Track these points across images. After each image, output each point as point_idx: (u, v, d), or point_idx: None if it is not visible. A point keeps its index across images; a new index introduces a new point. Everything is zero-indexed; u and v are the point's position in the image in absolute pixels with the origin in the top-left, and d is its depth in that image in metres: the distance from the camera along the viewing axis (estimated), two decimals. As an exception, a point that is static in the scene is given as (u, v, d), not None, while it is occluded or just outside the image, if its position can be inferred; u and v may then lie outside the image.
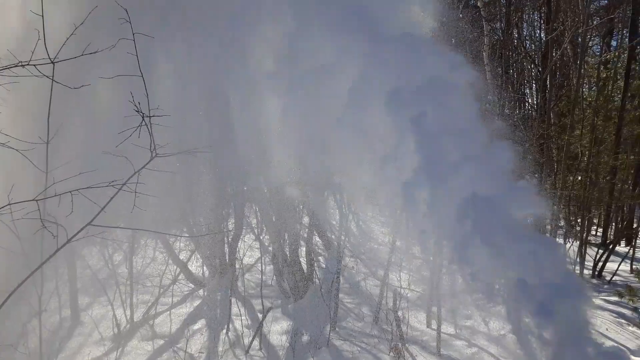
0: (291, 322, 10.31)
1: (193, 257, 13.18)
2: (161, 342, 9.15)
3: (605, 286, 13.00)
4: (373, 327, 9.47)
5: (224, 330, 9.58)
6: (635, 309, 10.39)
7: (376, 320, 9.85)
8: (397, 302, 10.19)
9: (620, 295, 10.86)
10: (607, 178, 16.33)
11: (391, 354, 7.74)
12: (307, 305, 11.04)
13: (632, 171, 16.27)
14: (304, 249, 12.48)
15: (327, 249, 15.80)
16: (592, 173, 16.94)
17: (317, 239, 18.36)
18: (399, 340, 8.54)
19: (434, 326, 9.79)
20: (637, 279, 10.75)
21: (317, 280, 13.46)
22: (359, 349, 8.30)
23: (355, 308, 11.10)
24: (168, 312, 10.64)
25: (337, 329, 9.56)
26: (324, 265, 14.83)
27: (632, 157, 16.05)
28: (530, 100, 21.99)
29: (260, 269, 14.18)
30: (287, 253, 12.08)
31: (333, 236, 19.70)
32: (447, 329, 9.59)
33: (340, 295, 12.11)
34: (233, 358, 8.24)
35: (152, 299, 10.78)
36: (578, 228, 19.07)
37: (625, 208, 16.74)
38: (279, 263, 12.19)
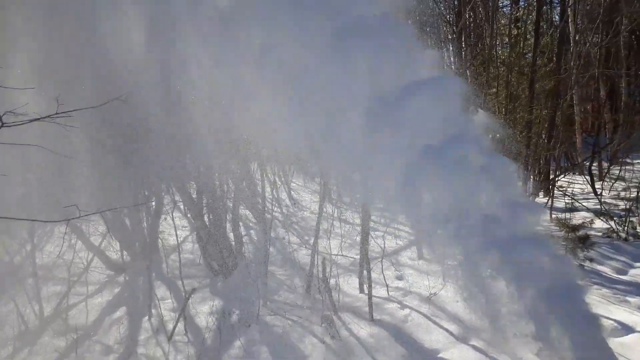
0: (220, 302, 9.81)
1: (112, 241, 12.25)
2: (76, 336, 8.34)
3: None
4: (305, 299, 9.16)
5: (147, 317, 8.92)
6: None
7: (308, 290, 9.56)
8: (328, 270, 9.94)
9: (542, 244, 11.22)
10: (524, 133, 16.86)
11: (323, 324, 7.45)
12: (237, 283, 10.57)
13: (546, 125, 16.88)
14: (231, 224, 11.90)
15: (259, 222, 15.31)
16: (509, 128, 17.52)
17: (247, 212, 17.82)
18: (330, 309, 8.30)
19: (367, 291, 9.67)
20: (557, 228, 11.13)
21: (247, 255, 12.98)
22: (290, 322, 7.96)
23: (287, 280, 10.72)
24: (84, 302, 9.79)
25: (268, 303, 9.17)
26: (256, 238, 14.37)
27: (545, 111, 16.63)
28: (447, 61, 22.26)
29: (187, 248, 13.49)
30: (211, 229, 11.47)
31: (263, 207, 19.25)
32: (379, 291, 9.49)
33: (272, 268, 11.71)
34: (156, 346, 7.63)
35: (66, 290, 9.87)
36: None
37: (541, 160, 17.44)
38: (203, 240, 11.57)
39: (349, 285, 9.97)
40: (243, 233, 15.51)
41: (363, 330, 7.47)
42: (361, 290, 9.67)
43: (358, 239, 13.65)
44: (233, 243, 11.94)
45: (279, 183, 21.83)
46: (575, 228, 10.36)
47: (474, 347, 7.02)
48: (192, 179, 11.46)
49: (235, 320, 8.19)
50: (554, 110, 16.49)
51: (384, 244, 11.22)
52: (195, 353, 6.93)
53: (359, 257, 11.20)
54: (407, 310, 8.40)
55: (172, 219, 12.86)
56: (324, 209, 18.08)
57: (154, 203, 12.60)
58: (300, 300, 9.26)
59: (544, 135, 17.61)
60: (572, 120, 23.03)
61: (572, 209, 14.73)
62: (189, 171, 11.13)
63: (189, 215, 13.43)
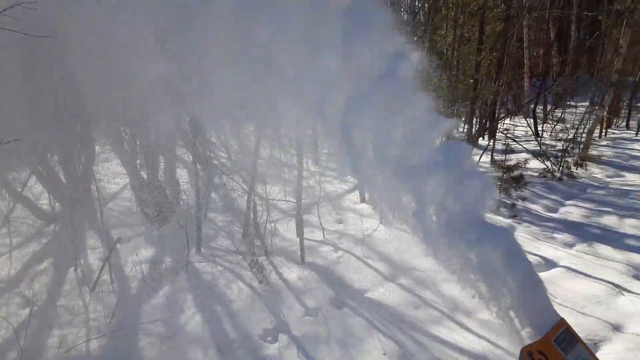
0: (153, 250, 9.52)
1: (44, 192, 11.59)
2: (-5, 289, 7.92)
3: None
4: (241, 244, 8.97)
5: (73, 268, 8.54)
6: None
7: (245, 236, 9.37)
8: (266, 215, 9.76)
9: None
10: (471, 74, 16.80)
11: (253, 269, 7.31)
12: (172, 231, 10.26)
13: (494, 67, 16.80)
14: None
15: (204, 168, 14.87)
16: (457, 70, 17.40)
17: (189, 157, 17.26)
18: (263, 254, 8.17)
19: (307, 235, 9.58)
20: (494, 169, 11.25)
21: (187, 202, 12.62)
22: (220, 269, 7.79)
23: (226, 226, 10.46)
24: (8, 254, 9.29)
25: (202, 250, 8.94)
26: (201, 184, 13.96)
27: (494, 53, 16.50)
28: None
29: (127, 196, 12.97)
30: (147, 175, 10.98)
31: (210, 154, 18.71)
32: (317, 235, 9.42)
33: (213, 214, 11.43)
34: (78, 297, 7.32)
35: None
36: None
37: (487, 103, 17.49)
38: (137, 188, 11.10)
39: (287, 229, 9.84)
40: (185, 180, 15.09)
41: (293, 273, 7.39)
42: (298, 234, 9.57)
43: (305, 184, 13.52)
44: (168, 191, 11.55)
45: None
46: (509, 168, 10.47)
47: (401, 286, 7.07)
48: (125, 122, 10.85)
49: (164, 269, 7.93)
50: (502, 52, 16.38)
51: (320, 190, 11.09)
52: (116, 303, 6.68)
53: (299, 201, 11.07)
54: (340, 252, 8.37)
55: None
56: (269, 155, 17.75)
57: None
58: (236, 247, 9.06)
59: (492, 78, 17.52)
60: (522, 63, 23.17)
61: (511, 151, 15.00)
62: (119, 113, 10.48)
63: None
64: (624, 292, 6.66)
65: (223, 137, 22.37)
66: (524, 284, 3.62)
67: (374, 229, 9.23)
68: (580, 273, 7.40)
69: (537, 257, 8.11)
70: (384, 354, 5.38)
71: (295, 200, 11.42)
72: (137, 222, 11.40)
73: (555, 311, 3.14)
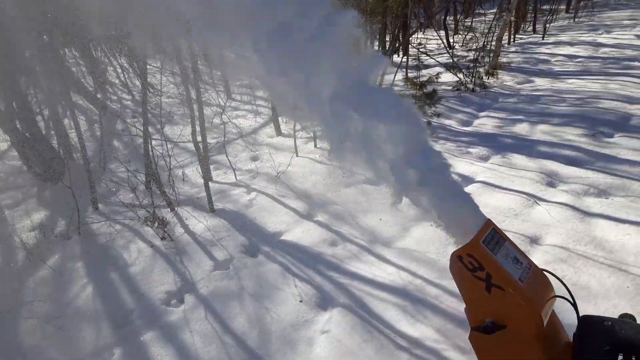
0: (45, 213, 8.46)
1: None
2: None
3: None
4: (146, 195, 8.10)
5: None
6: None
7: (148, 186, 8.50)
8: (169, 160, 8.89)
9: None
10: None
11: (154, 226, 6.56)
12: (66, 189, 9.15)
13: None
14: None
15: (103, 114, 13.43)
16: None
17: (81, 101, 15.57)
18: (167, 206, 7.41)
19: (218, 178, 8.86)
20: (407, 86, 10.87)
21: (81, 154, 11.38)
22: (119, 228, 6.97)
23: (130, 177, 9.46)
24: None
25: (101, 207, 8.02)
26: (98, 133, 12.61)
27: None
28: None
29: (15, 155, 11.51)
30: (19, 127, 9.61)
31: (99, 93, 17.02)
32: (228, 178, 8.73)
33: (115, 165, 10.36)
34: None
35: None
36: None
37: (399, 19, 16.86)
38: (16, 144, 9.75)
39: (199, 174, 9.03)
40: (83, 128, 13.62)
41: (200, 224, 6.72)
42: (209, 179, 8.84)
43: (216, 121, 12.54)
44: (57, 144, 10.26)
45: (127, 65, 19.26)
46: (422, 85, 10.11)
47: (318, 223, 6.64)
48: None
49: (53, 235, 6.99)
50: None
51: (228, 127, 10.26)
52: (-6, 283, 5.79)
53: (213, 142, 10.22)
54: (253, 194, 7.77)
55: None
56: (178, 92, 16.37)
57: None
58: (140, 199, 8.19)
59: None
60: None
61: (425, 66, 14.70)
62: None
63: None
64: (539, 202, 6.62)
65: (125, 76, 20.39)
66: (448, 190, 3.25)
67: (288, 164, 8.65)
68: (496, 187, 7.31)
69: (455, 175, 7.96)
70: (300, 302, 4.98)
71: (210, 142, 10.55)
72: (30, 183, 10.18)
73: (481, 213, 2.99)
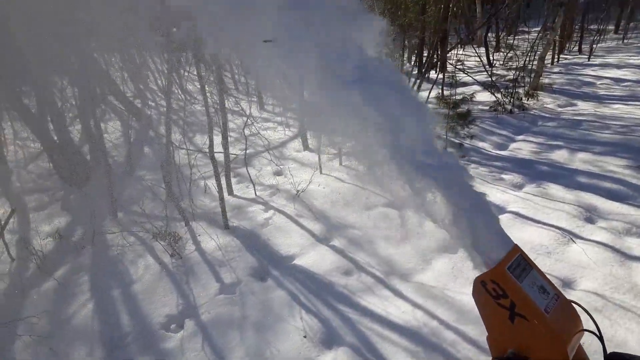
0: (67, 219, 8.45)
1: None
2: None
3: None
4: (168, 207, 7.96)
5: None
6: (437, 137, 10.20)
7: (169, 197, 8.36)
8: (190, 170, 8.78)
9: (423, 124, 10.53)
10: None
11: (165, 241, 6.36)
12: (91, 195, 9.16)
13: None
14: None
15: (138, 119, 13.51)
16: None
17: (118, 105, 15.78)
18: (183, 220, 7.23)
19: (239, 192, 8.65)
20: (439, 105, 10.42)
21: (115, 160, 11.46)
22: (132, 240, 6.81)
23: (155, 186, 9.38)
24: None
25: (120, 216, 7.94)
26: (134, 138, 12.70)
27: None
28: None
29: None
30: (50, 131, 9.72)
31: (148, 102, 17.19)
32: (249, 193, 8.50)
33: (143, 172, 10.34)
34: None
35: None
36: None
37: (438, 33, 16.39)
38: (47, 147, 9.89)
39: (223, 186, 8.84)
40: (117, 134, 13.76)
41: (212, 242, 6.49)
42: (229, 192, 8.65)
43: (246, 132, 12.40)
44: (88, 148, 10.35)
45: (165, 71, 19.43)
46: (455, 104, 9.66)
47: (333, 248, 6.30)
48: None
49: (69, 243, 6.91)
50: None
51: (250, 139, 10.05)
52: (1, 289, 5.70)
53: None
54: (270, 212, 7.50)
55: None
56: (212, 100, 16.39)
57: None
58: (159, 210, 8.07)
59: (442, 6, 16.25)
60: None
61: (463, 84, 14.21)
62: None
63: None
64: (575, 240, 6.09)
65: (162, 82, 20.52)
66: (475, 208, 3.07)
67: (309, 182, 8.36)
68: (529, 219, 6.80)
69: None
70: (305, 337, 4.65)
71: (236, 153, 10.40)
72: (57, 187, 10.29)
73: (508, 237, 2.86)
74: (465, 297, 5.12)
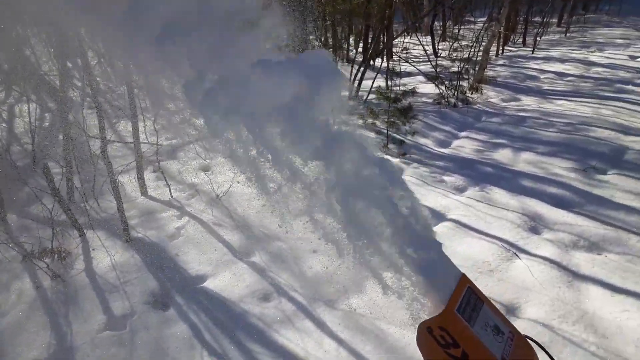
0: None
1: None
2: None
3: (361, 107, 12.03)
4: (63, 211, 6.79)
5: None
6: (378, 132, 9.50)
7: (58, 199, 7.18)
8: (93, 165, 7.61)
9: (362, 118, 9.82)
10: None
11: (48, 259, 5.27)
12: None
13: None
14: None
15: (55, 101, 11.99)
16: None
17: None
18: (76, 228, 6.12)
19: (156, 192, 7.58)
20: (382, 97, 9.70)
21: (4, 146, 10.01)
22: (14, 254, 5.65)
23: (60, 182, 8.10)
24: None
25: (9, 220, 6.72)
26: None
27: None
28: None
29: None
30: None
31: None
32: (163, 194, 7.45)
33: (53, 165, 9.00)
34: None
35: None
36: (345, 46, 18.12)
37: (384, 20, 15.66)
38: None
39: (134, 185, 7.73)
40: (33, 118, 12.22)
41: (106, 259, 5.45)
42: (142, 192, 7.58)
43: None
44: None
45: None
46: (396, 99, 8.96)
47: (252, 266, 5.44)
48: None
49: None
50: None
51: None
52: None
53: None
54: (184, 220, 6.52)
55: None
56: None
57: None
58: (59, 214, 6.87)
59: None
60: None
61: (407, 74, 13.61)
62: None
63: None
64: (519, 255, 5.52)
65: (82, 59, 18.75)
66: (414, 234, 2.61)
67: (234, 182, 7.41)
68: (471, 229, 6.20)
69: (424, 209, 6.82)
70: (203, 391, 3.77)
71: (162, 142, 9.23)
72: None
73: (454, 266, 2.42)
74: (402, 330, 4.42)
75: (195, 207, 6.89)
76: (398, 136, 9.39)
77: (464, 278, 2.46)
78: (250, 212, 6.71)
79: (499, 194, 7.11)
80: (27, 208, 7.25)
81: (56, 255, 5.25)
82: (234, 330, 4.43)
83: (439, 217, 6.65)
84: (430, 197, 7.17)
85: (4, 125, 11.48)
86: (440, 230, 6.28)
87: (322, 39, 13.79)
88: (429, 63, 14.00)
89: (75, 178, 7.53)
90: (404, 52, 18.79)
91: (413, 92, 9.75)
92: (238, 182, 7.50)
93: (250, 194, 7.26)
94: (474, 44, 13.34)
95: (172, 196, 7.32)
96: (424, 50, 15.83)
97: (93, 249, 5.74)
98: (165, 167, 8.36)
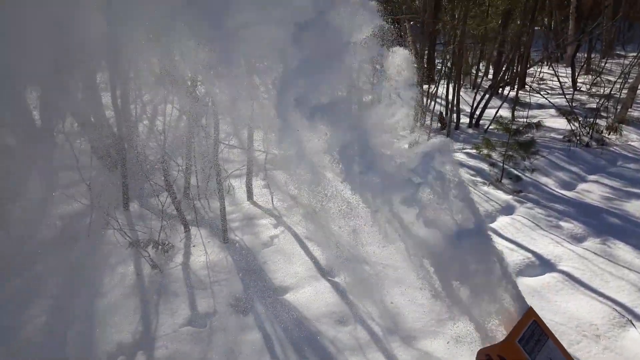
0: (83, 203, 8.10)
1: None
2: None
3: (481, 136, 11.49)
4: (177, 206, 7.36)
5: None
6: (492, 165, 8.93)
7: (186, 195, 7.79)
8: (214, 169, 8.12)
9: (477, 148, 9.30)
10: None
11: (152, 249, 5.72)
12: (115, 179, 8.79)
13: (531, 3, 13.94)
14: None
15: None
16: (489, 7, 14.74)
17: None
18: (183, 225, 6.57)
19: (262, 199, 7.90)
20: (502, 128, 9.10)
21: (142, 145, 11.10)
22: (128, 239, 6.21)
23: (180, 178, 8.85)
24: None
25: (131, 209, 7.45)
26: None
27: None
28: None
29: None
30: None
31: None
32: (266, 202, 7.73)
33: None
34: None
35: None
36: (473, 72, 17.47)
37: (521, 47, 14.80)
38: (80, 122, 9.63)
39: (244, 189, 8.14)
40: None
41: (203, 257, 5.78)
42: (249, 197, 7.95)
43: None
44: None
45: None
46: (517, 131, 8.36)
47: (335, 286, 5.40)
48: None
49: (63, 235, 6.47)
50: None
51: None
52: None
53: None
54: (279, 229, 6.70)
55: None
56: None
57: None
58: (170, 208, 7.48)
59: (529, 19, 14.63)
60: (568, 1, 19.93)
61: (532, 106, 12.69)
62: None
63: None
64: (635, 324, 4.80)
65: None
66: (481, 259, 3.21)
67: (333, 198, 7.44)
68: (582, 285, 5.54)
69: (530, 254, 6.25)
70: (262, 404, 3.80)
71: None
72: (92, 167, 9.99)
73: (522, 298, 2.63)
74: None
75: (292, 219, 7.04)
76: (515, 171, 8.75)
77: (530, 311, 2.52)
78: (343, 231, 6.67)
79: (623, 250, 6.27)
80: (149, 199, 7.96)
81: (160, 247, 5.67)
82: (305, 349, 4.41)
83: (548, 266, 6.05)
84: (541, 242, 6.55)
85: (146, 122, 12.76)
86: (547, 281, 5.71)
87: (449, 64, 13.39)
88: (563, 96, 12.91)
89: (192, 177, 8.11)
90: (539, 82, 17.58)
91: (538, 126, 9.00)
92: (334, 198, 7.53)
93: (347, 213, 7.24)
94: (620, 80, 12.02)
95: (273, 205, 7.57)
96: (559, 82, 14.64)
97: (193, 245, 6.12)
98: (273, 175, 8.68)
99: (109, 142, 9.73)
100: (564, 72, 17.40)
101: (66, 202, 8.08)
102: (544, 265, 6.06)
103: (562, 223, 7.09)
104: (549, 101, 12.69)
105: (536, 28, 17.39)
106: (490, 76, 17.22)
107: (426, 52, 15.28)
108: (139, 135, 10.53)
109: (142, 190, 8.12)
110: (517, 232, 6.89)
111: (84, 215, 7.18)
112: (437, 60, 15.81)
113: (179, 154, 9.17)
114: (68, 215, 7.26)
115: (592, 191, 8.37)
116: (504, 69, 14.39)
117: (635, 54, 16.01)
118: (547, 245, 6.47)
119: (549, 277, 5.78)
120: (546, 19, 21.30)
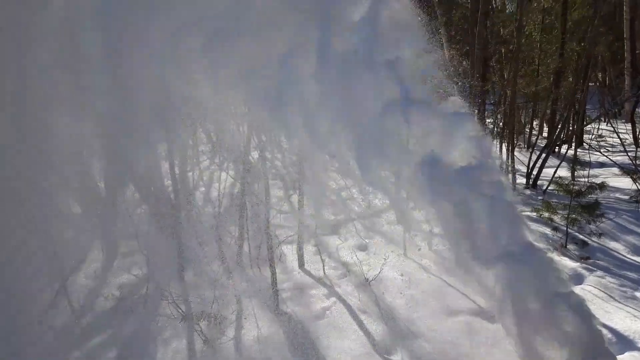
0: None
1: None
2: None
3: (540, 198, 11.05)
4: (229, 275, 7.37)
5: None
6: (555, 229, 8.47)
7: (239, 263, 7.79)
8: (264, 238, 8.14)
9: (538, 211, 8.89)
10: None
11: (203, 323, 5.67)
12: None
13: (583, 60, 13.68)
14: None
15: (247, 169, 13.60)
16: (539, 66, 14.61)
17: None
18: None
19: (312, 266, 7.79)
20: (562, 190, 8.69)
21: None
22: (168, 314, 6.14)
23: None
24: None
25: (183, 278, 7.50)
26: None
27: (582, 44, 13.44)
28: None
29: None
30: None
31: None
32: (317, 270, 7.59)
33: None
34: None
35: None
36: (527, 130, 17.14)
37: (575, 104, 14.43)
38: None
39: (295, 256, 8.07)
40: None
41: (252, 331, 5.66)
42: (300, 264, 7.86)
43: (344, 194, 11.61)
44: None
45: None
46: (580, 192, 7.94)
47: (392, 364, 5.09)
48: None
49: (114, 304, 6.56)
50: (593, 43, 13.26)
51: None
52: None
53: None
54: (331, 300, 6.51)
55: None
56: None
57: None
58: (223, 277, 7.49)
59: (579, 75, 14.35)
60: (621, 57, 19.50)
61: (593, 165, 12.16)
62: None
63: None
64: None
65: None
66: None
67: (381, 268, 7.17)
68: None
69: (606, 330, 5.73)
70: None
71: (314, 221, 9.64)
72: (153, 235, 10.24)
73: (609, 351, 2.80)
74: None
75: (344, 289, 6.85)
76: (580, 236, 8.25)
77: None
78: (398, 303, 6.41)
79: None
80: (203, 268, 8.02)
81: (212, 319, 5.62)
82: None
83: (626, 344, 5.52)
84: (617, 316, 6.02)
85: (203, 189, 13.02)
86: (627, 360, 5.18)
87: (501, 123, 13.20)
88: (625, 154, 12.33)
89: (245, 244, 8.14)
90: (598, 139, 16.96)
91: (601, 186, 8.53)
92: (390, 267, 7.31)
93: (401, 282, 6.98)
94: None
95: (324, 272, 7.42)
96: (620, 139, 14.04)
97: (245, 318, 6.02)
98: (324, 241, 8.59)
99: (166, 211, 10.00)
100: (624, 128, 16.73)
101: (125, 270, 8.27)
102: (622, 342, 5.53)
103: (637, 294, 6.53)
104: (610, 159, 12.14)
105: (590, 84, 16.97)
106: (545, 134, 16.76)
107: (476, 112, 15.21)
108: (193, 203, 10.79)
109: (197, 257, 8.19)
110: (589, 304, 6.36)
111: (140, 286, 7.28)
112: (487, 120, 15.64)
113: (231, 222, 9.29)
114: (126, 285, 7.39)
115: (670, 257, 7.72)
116: (559, 127, 14.01)
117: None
118: (623, 319, 5.93)
119: (629, 357, 5.24)
120: (600, 74, 20.81)
